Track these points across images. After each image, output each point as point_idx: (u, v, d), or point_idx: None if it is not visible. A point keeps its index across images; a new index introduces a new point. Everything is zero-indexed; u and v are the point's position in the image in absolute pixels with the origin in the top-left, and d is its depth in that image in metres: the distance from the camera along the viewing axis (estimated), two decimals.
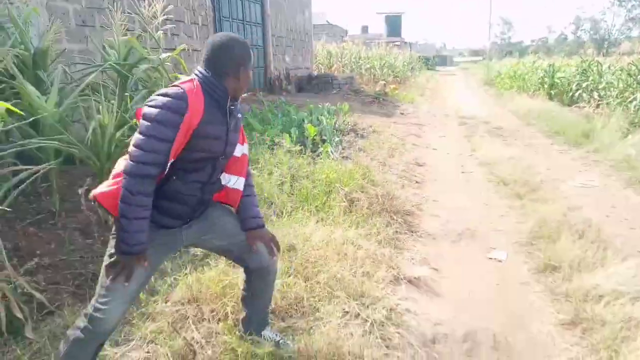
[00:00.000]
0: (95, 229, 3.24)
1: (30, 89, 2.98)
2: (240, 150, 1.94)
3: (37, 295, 2.48)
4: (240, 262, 2.05)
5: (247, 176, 2.01)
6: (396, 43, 33.79)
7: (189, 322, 2.27)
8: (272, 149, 5.05)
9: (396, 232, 3.59)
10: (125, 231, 1.62)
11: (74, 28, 5.32)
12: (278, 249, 2.02)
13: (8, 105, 2.41)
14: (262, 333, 2.11)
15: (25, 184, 2.58)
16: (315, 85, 13.51)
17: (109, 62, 3.78)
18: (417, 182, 5.26)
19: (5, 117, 2.57)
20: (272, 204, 3.71)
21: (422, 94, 17.23)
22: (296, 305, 2.37)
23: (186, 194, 1.78)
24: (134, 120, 3.51)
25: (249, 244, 1.94)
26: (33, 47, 3.78)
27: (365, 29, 49.74)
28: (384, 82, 16.11)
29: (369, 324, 2.31)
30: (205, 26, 8.47)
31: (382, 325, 2.36)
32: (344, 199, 3.80)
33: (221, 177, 1.90)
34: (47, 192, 3.44)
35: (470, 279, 3.04)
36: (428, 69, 39.26)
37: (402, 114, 11.26)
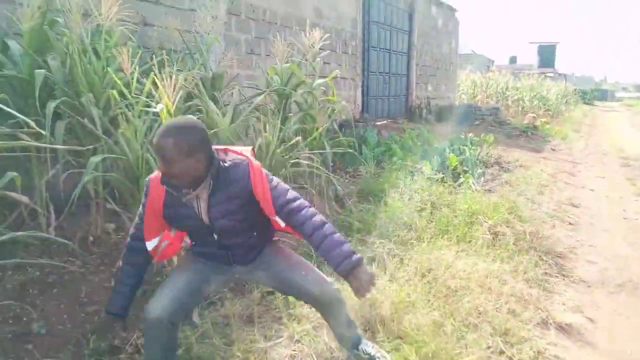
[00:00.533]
0: None
1: (212, 106, 3.45)
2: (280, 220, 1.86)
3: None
4: (297, 298, 2.16)
5: (310, 222, 1.80)
6: (549, 74, 31.52)
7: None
8: (413, 175, 5.08)
9: (545, 273, 3.35)
10: (113, 291, 1.97)
11: (243, 55, 6.01)
12: (368, 290, 1.76)
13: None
14: (359, 348, 2.08)
15: None
16: (457, 115, 13.19)
17: (274, 87, 4.19)
18: (570, 223, 4.84)
19: None
20: (411, 228, 3.73)
21: (577, 129, 15.77)
22: (436, 330, 2.34)
23: (209, 254, 1.96)
24: (292, 140, 3.84)
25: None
26: (211, 71, 4.37)
27: (513, 59, 47.40)
28: (533, 115, 15.14)
29: None
30: (354, 55, 8.89)
31: None
32: (488, 232, 3.67)
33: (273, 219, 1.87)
34: None
35: (630, 334, 2.71)
36: (585, 104, 35.82)
37: (553, 149, 10.45)
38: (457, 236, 3.63)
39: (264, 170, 1.84)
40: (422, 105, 12.19)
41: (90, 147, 2.60)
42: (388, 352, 2.18)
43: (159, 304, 1.83)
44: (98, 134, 2.65)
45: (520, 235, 3.79)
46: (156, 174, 1.84)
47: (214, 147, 1.82)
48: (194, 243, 2.00)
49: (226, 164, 1.80)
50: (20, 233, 2.10)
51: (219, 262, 1.98)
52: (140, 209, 1.91)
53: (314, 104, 4.35)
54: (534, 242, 3.74)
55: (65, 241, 2.51)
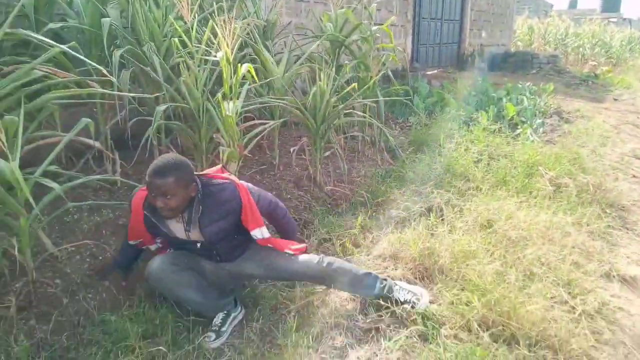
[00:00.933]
0: (305, 183, 3.64)
1: (267, 54, 3.43)
2: (258, 233, 2.14)
3: None
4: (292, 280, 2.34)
5: (275, 214, 2.32)
6: (612, 19, 29.18)
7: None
8: (467, 125, 4.93)
9: (609, 226, 3.23)
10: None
11: (292, 3, 5.88)
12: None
13: (251, 67, 2.84)
14: (391, 297, 2.17)
15: (260, 136, 3.01)
16: (512, 63, 12.53)
17: (328, 34, 4.09)
18: (634, 176, 4.60)
19: (249, 78, 3.01)
20: (467, 179, 3.66)
21: None
22: (498, 279, 2.33)
23: (195, 255, 2.21)
24: (346, 89, 3.78)
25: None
26: (263, 19, 4.31)
27: (573, 4, 44.02)
28: (594, 63, 14.20)
29: (577, 313, 2.18)
30: (405, 0, 8.51)
31: (592, 318, 2.20)
32: (549, 184, 3.55)
33: (251, 233, 2.13)
34: (269, 146, 3.95)
35: None
36: None
37: (615, 99, 9.81)
38: (516, 187, 3.53)
39: (247, 187, 2.14)
40: (475, 53, 11.63)
41: (156, 94, 2.65)
42: (451, 302, 2.19)
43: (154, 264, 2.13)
44: (160, 82, 2.70)
45: (583, 187, 3.65)
46: (138, 196, 2.09)
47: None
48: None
49: (212, 188, 2.06)
50: (93, 177, 2.21)
51: (207, 259, 2.25)
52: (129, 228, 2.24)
53: (369, 51, 4.23)
54: (597, 195, 3.59)
55: (134, 183, 2.62)
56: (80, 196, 2.84)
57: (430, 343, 2.02)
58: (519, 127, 5.25)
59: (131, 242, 2.25)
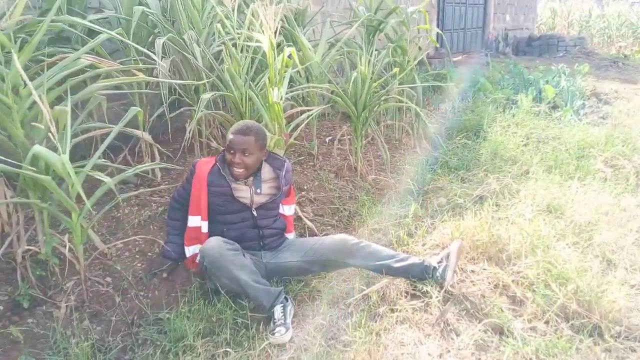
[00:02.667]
0: (346, 173, 3.52)
1: (304, 39, 3.30)
2: (293, 209, 2.51)
3: (309, 224, 2.82)
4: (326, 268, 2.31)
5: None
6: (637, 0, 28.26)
7: None
8: (508, 109, 4.75)
9: None
10: (166, 242, 2.31)
11: None
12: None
13: (294, 51, 2.72)
14: (436, 275, 2.16)
15: (303, 124, 2.89)
16: (537, 47, 12.19)
17: (365, 16, 3.94)
18: None
19: (289, 64, 2.88)
20: (517, 163, 3.50)
21: None
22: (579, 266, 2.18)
23: (242, 236, 2.26)
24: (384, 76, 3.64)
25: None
26: (295, 6, 4.19)
27: None
28: (623, 44, 13.74)
29: None
30: None
31: None
32: (604, 165, 3.37)
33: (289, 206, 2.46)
34: (307, 137, 3.83)
35: None
36: None
37: None
38: (569, 171, 3.36)
39: None
40: (499, 38, 11.34)
41: (201, 82, 2.54)
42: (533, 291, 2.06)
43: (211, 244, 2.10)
44: (203, 70, 2.60)
45: (639, 167, 3.46)
46: (202, 161, 2.26)
47: None
48: (225, 229, 2.23)
49: (275, 159, 2.34)
50: (143, 166, 2.12)
51: (250, 247, 2.26)
52: (181, 187, 2.33)
53: (405, 34, 4.07)
54: None
55: (174, 179, 2.53)
56: (121, 192, 2.77)
57: (507, 337, 1.89)
58: (559, 109, 5.04)
59: (191, 219, 2.25)
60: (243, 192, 2.24)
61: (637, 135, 4.23)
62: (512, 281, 2.14)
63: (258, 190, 2.25)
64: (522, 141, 3.79)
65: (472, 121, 4.44)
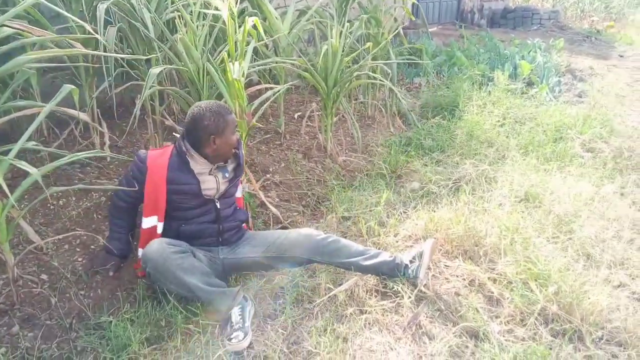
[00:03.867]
0: (315, 154, 3.30)
1: (271, 7, 3.01)
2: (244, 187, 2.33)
3: (274, 210, 2.60)
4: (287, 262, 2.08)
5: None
6: None
7: None
8: (484, 85, 4.58)
9: None
10: (108, 238, 2.09)
11: None
12: None
13: (258, 21, 2.44)
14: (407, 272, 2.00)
15: (268, 102, 2.64)
16: (512, 19, 12.03)
17: None
18: None
19: (254, 35, 2.61)
20: (493, 146, 3.35)
21: None
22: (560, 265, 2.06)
23: (200, 231, 2.05)
24: (358, 49, 3.39)
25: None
26: None
27: None
28: (593, 18, 13.74)
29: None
30: None
31: None
32: (582, 149, 3.25)
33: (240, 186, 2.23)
34: (273, 113, 3.58)
35: None
36: None
37: (621, 56, 9.47)
38: (546, 154, 3.23)
39: None
40: (475, 9, 11.12)
41: (152, 56, 2.25)
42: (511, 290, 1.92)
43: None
44: (153, 40, 2.30)
45: (617, 152, 3.36)
46: (154, 153, 1.99)
47: None
48: (183, 225, 2.01)
49: None
50: (78, 154, 1.84)
51: (206, 243, 2.05)
52: (126, 183, 2.00)
53: (380, 5, 3.81)
54: (633, 159, 3.31)
55: (126, 157, 2.27)
56: (65, 174, 2.49)
57: (483, 341, 1.75)
58: (535, 86, 4.91)
59: (146, 220, 1.99)
60: (209, 184, 2.02)
61: (613, 117, 4.14)
62: (489, 278, 2.00)
63: (226, 175, 2.05)
64: (499, 121, 3.64)
65: (447, 98, 4.26)
